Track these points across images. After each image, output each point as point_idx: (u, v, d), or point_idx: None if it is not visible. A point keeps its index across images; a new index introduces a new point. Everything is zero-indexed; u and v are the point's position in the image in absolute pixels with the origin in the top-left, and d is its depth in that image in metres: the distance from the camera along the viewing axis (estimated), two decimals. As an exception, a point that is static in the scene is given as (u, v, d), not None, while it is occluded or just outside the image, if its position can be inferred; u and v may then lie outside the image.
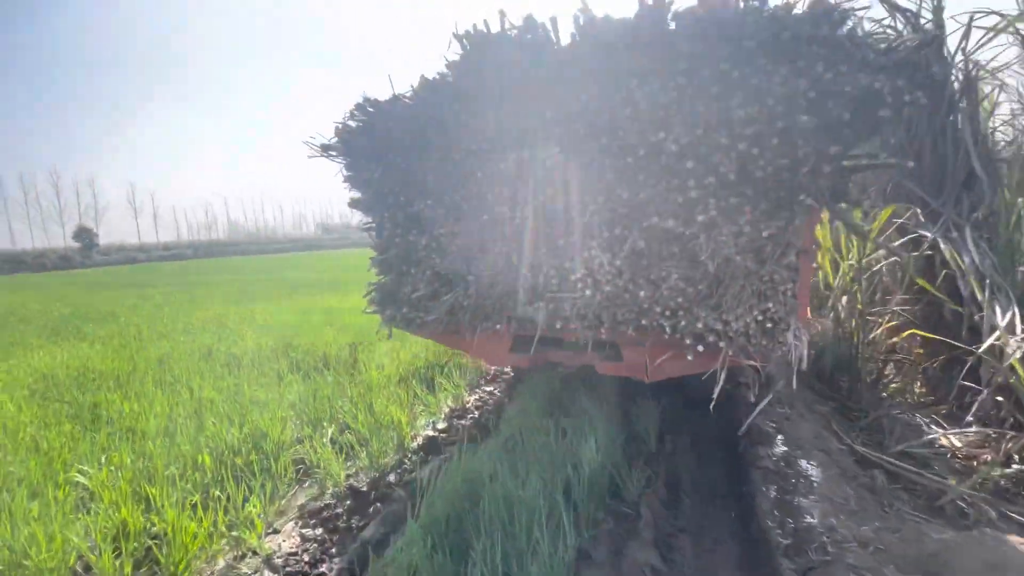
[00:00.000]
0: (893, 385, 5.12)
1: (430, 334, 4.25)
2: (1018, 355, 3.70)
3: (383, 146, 3.93)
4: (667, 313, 3.20)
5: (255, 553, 3.22)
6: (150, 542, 3.16)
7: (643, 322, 3.26)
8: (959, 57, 4.95)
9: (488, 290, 3.73)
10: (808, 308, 3.31)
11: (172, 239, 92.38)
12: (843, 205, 3.24)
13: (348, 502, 3.74)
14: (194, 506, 3.38)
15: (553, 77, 3.30)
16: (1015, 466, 3.54)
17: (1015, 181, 4.79)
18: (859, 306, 5.03)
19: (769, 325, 3.03)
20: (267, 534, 3.41)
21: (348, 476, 4.06)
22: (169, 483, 3.63)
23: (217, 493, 3.60)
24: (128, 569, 2.96)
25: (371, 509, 3.66)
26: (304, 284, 18.87)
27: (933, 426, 4.26)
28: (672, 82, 2.99)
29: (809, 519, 3.03)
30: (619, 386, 4.97)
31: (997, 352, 3.87)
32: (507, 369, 6.78)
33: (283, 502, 3.81)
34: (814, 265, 3.83)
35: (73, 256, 58.10)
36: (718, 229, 3.03)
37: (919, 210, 4.85)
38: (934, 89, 4.54)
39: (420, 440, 4.70)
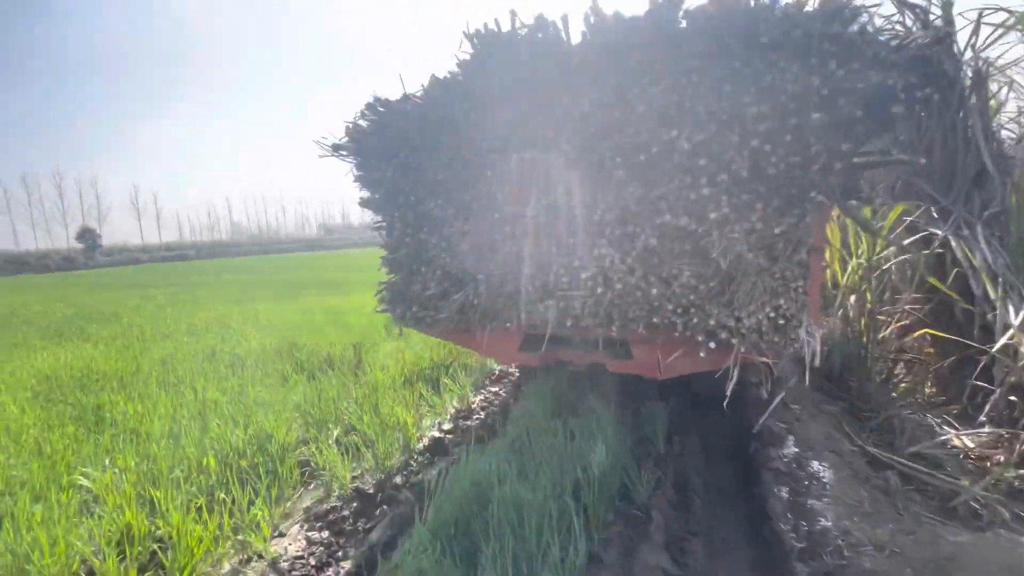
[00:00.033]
0: (903, 385, 5.08)
1: (440, 333, 4.25)
2: (1032, 354, 3.66)
3: (394, 145, 3.93)
4: (679, 310, 3.17)
5: (261, 557, 3.18)
6: (155, 546, 3.14)
7: (654, 320, 3.23)
8: (968, 54, 4.91)
9: (498, 288, 3.71)
10: (818, 306, 3.28)
11: (175, 240, 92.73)
12: (854, 202, 3.23)
13: (354, 504, 3.70)
14: (199, 509, 3.34)
15: (564, 76, 3.29)
16: (1029, 466, 3.48)
17: (1025, 178, 4.74)
18: (868, 305, 4.98)
19: (781, 322, 3.01)
20: (273, 537, 3.38)
21: (354, 478, 4.02)
22: (174, 486, 3.60)
23: (222, 496, 3.56)
24: (133, 574, 2.93)
25: (377, 512, 3.62)
26: (306, 284, 18.86)
27: (945, 427, 4.21)
28: (684, 80, 2.98)
29: (823, 522, 2.98)
30: (626, 386, 4.93)
31: (1011, 351, 3.82)
32: (512, 370, 6.77)
33: (288, 504, 3.77)
34: (824, 263, 3.81)
35: (76, 257, 58.29)
36: (730, 226, 3.02)
37: (931, 207, 4.79)
38: (945, 86, 4.50)
39: (426, 441, 4.66)
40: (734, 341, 3.07)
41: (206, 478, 3.82)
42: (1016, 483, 3.42)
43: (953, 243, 4.47)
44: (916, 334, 4.88)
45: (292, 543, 3.32)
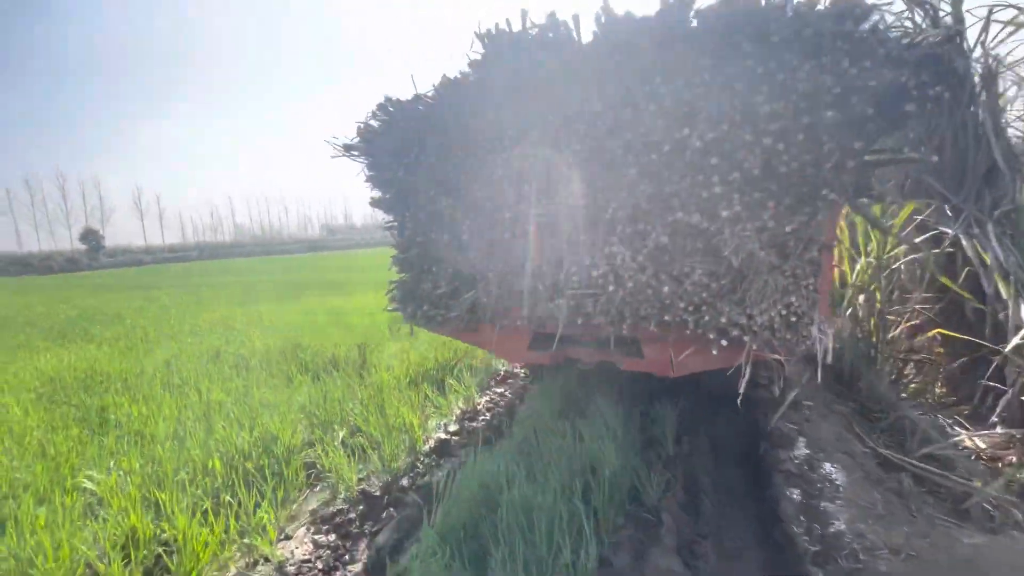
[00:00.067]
0: (913, 385, 5.03)
1: (450, 331, 4.25)
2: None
3: (405, 145, 3.94)
4: (690, 308, 3.15)
5: (267, 560, 3.16)
6: (160, 549, 3.10)
7: (666, 317, 3.21)
8: (978, 51, 4.87)
9: (509, 287, 3.71)
10: (829, 303, 3.26)
11: (178, 241, 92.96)
12: (865, 200, 3.21)
13: (361, 507, 3.67)
14: (205, 512, 3.32)
15: (575, 75, 3.29)
16: (1042, 468, 3.44)
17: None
18: (878, 305, 4.94)
19: (793, 319, 3.00)
20: (279, 540, 3.35)
21: (360, 480, 3.99)
22: (179, 488, 3.58)
23: (228, 498, 3.54)
24: (138, 578, 2.90)
25: (384, 514, 3.59)
26: (309, 285, 18.86)
27: (956, 427, 4.17)
28: (696, 78, 2.98)
29: (837, 524, 2.94)
30: (632, 386, 4.90)
31: (1023, 351, 3.78)
32: (517, 370, 6.75)
33: (294, 507, 3.75)
34: (834, 261, 3.80)
35: (79, 258, 58.43)
36: (742, 224, 3.00)
37: (942, 205, 4.75)
38: (956, 83, 4.48)
39: (432, 443, 4.63)
40: (746, 338, 3.05)
41: (211, 480, 3.79)
42: (1029, 484, 3.39)
43: (964, 241, 4.42)
44: (929, 334, 4.83)
45: (299, 546, 3.29)
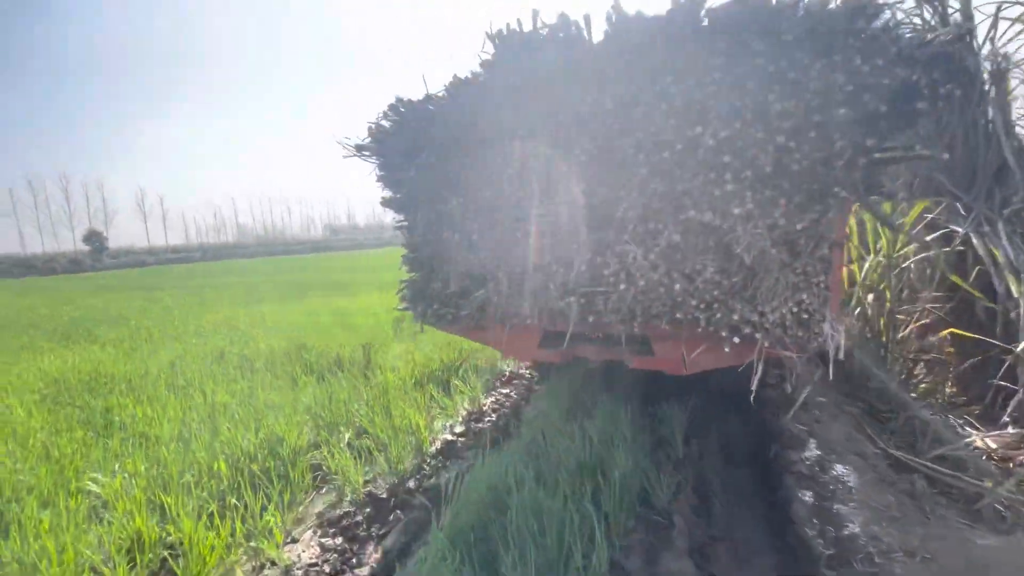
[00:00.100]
0: (923, 385, 4.98)
1: (459, 330, 4.30)
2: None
3: (416, 145, 3.97)
4: (702, 306, 3.15)
5: (274, 564, 3.12)
6: (165, 553, 3.08)
7: (677, 315, 3.21)
8: (986, 48, 4.84)
9: (520, 286, 3.72)
10: (840, 300, 3.25)
11: (181, 242, 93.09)
12: (875, 198, 3.20)
13: (367, 510, 3.64)
14: (211, 515, 3.29)
15: (587, 74, 3.31)
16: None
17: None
18: (888, 304, 4.89)
19: (805, 316, 3.01)
20: (285, 544, 3.32)
21: (366, 482, 3.96)
22: (184, 491, 3.55)
23: (233, 501, 3.51)
24: (143, 582, 2.88)
25: (391, 517, 3.56)
26: (313, 285, 18.83)
27: (967, 428, 4.13)
28: (708, 77, 2.98)
29: (851, 527, 2.90)
30: (641, 387, 4.86)
31: (1036, 351, 3.74)
32: (522, 371, 6.72)
33: (301, 509, 3.72)
34: (845, 258, 3.80)
35: (83, 259, 58.56)
36: (754, 222, 3.00)
37: (952, 203, 4.71)
38: (966, 81, 4.45)
39: (438, 444, 4.60)
40: (758, 336, 3.05)
41: (217, 483, 3.76)
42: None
43: (975, 240, 4.39)
44: (942, 334, 4.78)
45: (306, 550, 3.26)
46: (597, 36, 3.30)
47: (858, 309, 5.29)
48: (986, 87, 4.77)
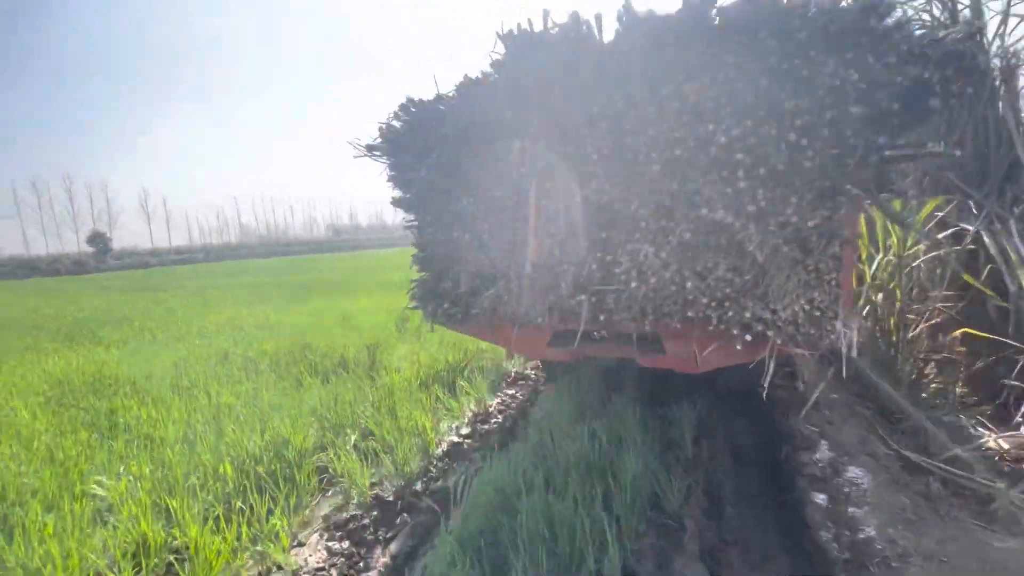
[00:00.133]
0: (933, 386, 4.93)
1: (469, 329, 4.28)
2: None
3: (427, 145, 3.96)
4: (713, 304, 3.14)
5: (280, 568, 3.09)
6: (171, 558, 3.05)
7: (689, 313, 3.20)
8: (996, 44, 4.80)
9: (530, 285, 3.71)
10: (851, 298, 3.23)
11: (184, 243, 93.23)
12: (887, 196, 3.18)
13: (374, 513, 3.61)
14: (216, 519, 3.26)
15: (598, 73, 3.30)
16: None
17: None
18: (898, 303, 4.85)
19: (817, 314, 3.01)
20: (292, 547, 3.28)
21: (372, 485, 3.93)
22: (190, 494, 3.52)
23: (239, 504, 3.47)
24: (149, 587, 2.84)
25: (398, 520, 3.53)
26: (316, 286, 18.84)
27: (979, 428, 4.09)
28: (720, 75, 2.98)
29: (866, 530, 2.85)
30: (650, 388, 4.82)
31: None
32: (528, 371, 6.68)
33: (307, 512, 3.68)
34: (855, 256, 3.78)
35: (87, 261, 58.67)
36: (766, 219, 2.99)
37: (963, 201, 4.66)
38: (977, 79, 4.41)
39: (444, 446, 4.56)
40: (770, 333, 3.04)
41: (222, 485, 3.73)
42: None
43: (986, 238, 4.35)
44: (956, 334, 4.73)
45: (312, 554, 3.23)
46: (607, 36, 3.29)
47: (867, 308, 5.24)
48: (996, 84, 4.73)
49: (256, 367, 6.78)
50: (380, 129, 4.09)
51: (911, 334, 4.95)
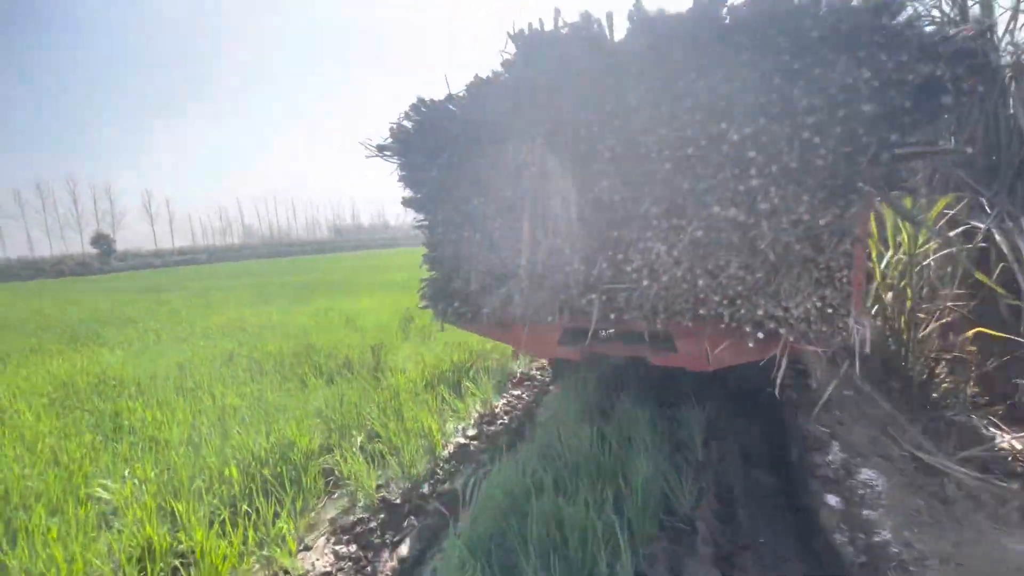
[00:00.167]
0: (945, 385, 4.88)
1: (479, 328, 4.31)
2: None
3: (438, 145, 3.97)
4: (725, 301, 3.14)
5: (287, 572, 3.05)
6: (177, 562, 3.01)
7: (701, 311, 3.20)
8: (1006, 40, 4.76)
9: (540, 283, 3.71)
10: (863, 296, 3.21)
11: (188, 244, 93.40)
12: (897, 193, 3.17)
13: (381, 515, 3.57)
14: (222, 522, 3.22)
15: (609, 72, 3.30)
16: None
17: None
18: (909, 302, 4.80)
19: (829, 311, 3.00)
20: (298, 551, 3.24)
21: (379, 487, 3.89)
22: (195, 497, 3.48)
23: (245, 507, 3.44)
24: (154, 592, 2.81)
25: (405, 523, 3.49)
26: (319, 286, 18.82)
27: (991, 428, 4.04)
28: (732, 73, 2.97)
29: (882, 533, 2.81)
30: (657, 390, 4.79)
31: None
32: (534, 372, 6.65)
33: (313, 515, 3.64)
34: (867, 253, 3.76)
35: (90, 262, 58.88)
36: (778, 217, 2.98)
37: (974, 199, 4.62)
38: (988, 76, 4.37)
39: (451, 448, 4.52)
40: (782, 331, 3.03)
41: (228, 488, 3.70)
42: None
43: (997, 236, 4.30)
44: (967, 333, 4.67)
45: (319, 558, 3.19)
46: (618, 35, 3.29)
47: (876, 307, 5.19)
48: (1007, 81, 4.69)
49: (260, 368, 6.75)
50: (391, 129, 4.10)
51: (922, 333, 4.90)
